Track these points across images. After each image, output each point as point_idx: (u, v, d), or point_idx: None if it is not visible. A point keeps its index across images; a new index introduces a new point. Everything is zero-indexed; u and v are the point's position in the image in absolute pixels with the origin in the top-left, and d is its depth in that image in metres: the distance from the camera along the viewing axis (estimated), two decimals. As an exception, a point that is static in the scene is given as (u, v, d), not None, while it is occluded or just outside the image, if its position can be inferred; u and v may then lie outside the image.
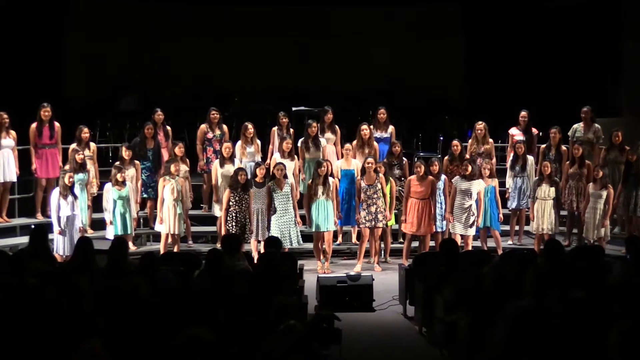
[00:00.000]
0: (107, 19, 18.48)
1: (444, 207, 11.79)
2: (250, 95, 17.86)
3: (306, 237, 12.44)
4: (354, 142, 12.52)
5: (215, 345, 5.09)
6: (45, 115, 12.22)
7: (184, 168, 12.17)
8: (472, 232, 11.65)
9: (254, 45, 18.77)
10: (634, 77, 16.17)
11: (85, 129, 12.33)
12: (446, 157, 12.50)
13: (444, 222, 11.82)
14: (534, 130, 13.11)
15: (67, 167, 11.72)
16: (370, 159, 11.65)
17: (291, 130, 12.98)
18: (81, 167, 11.74)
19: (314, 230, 11.60)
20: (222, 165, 12.08)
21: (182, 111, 16.92)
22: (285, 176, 11.53)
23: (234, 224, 11.30)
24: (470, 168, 11.59)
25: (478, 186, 11.62)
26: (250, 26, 18.94)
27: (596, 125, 12.87)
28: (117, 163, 11.85)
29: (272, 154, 12.81)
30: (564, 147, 12.62)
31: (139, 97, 18.08)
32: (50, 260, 8.53)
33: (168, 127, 13.10)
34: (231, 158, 12.13)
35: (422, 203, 11.62)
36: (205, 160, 12.79)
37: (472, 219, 11.58)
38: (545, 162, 11.89)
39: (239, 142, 12.59)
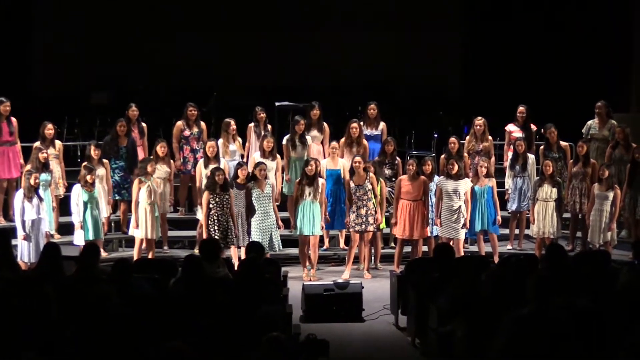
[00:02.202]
0: (78, 10, 18.41)
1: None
2: (230, 90, 17.83)
3: (291, 242, 12.45)
4: (342, 140, 12.53)
5: (194, 359, 5.10)
6: (5, 111, 12.15)
7: (164, 169, 12.12)
8: (462, 235, 11.69)
9: (236, 37, 18.74)
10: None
11: (50, 126, 12.24)
12: (443, 156, 12.50)
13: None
14: (533, 127, 13.15)
15: (29, 166, 11.65)
16: (357, 158, 11.64)
17: (269, 126, 12.97)
18: (44, 167, 11.69)
19: (298, 234, 11.60)
20: (206, 165, 12.02)
21: (158, 107, 16.88)
22: (266, 177, 11.53)
23: (216, 227, 11.27)
24: (456, 167, 11.59)
25: (465, 185, 11.64)
26: (232, 17, 18.91)
27: (612, 121, 12.89)
28: (86, 163, 11.80)
29: (248, 152, 12.79)
30: (564, 143, 12.65)
31: (111, 92, 18.01)
32: (14, 268, 8.49)
33: (143, 124, 13.06)
34: (216, 157, 12.08)
35: (414, 205, 11.63)
36: (182, 160, 12.76)
37: (462, 220, 11.61)
38: (546, 160, 11.91)
39: (221, 140, 12.56)
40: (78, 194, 11.45)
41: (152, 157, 12.01)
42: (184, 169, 12.74)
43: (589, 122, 12.98)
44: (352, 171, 11.69)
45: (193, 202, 12.77)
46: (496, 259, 11.35)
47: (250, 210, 11.40)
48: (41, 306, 6.24)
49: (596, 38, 17.10)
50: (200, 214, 11.96)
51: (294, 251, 12.24)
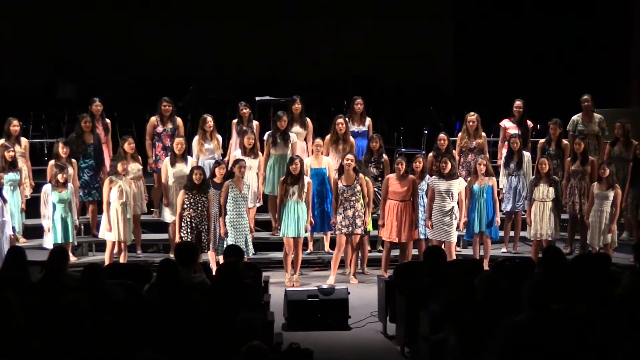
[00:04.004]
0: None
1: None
2: (208, 84, 17.78)
3: (272, 245, 12.43)
4: (327, 137, 12.53)
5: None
6: None
7: (136, 167, 12.09)
8: (454, 238, 11.69)
9: (213, 26, 18.69)
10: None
11: (15, 122, 12.21)
12: (431, 154, 12.52)
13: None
14: (529, 123, 13.19)
15: (-6, 166, 11.62)
16: (350, 156, 11.61)
17: (255, 123, 12.95)
18: (11, 166, 11.64)
19: (282, 236, 11.56)
20: (173, 163, 12.01)
21: (130, 101, 16.81)
22: (243, 175, 11.50)
23: (189, 230, 11.25)
24: (449, 165, 11.58)
25: (459, 185, 11.64)
26: (210, 7, 18.84)
27: (597, 115, 12.96)
28: (55, 161, 11.74)
29: (231, 150, 12.78)
30: (565, 141, 12.70)
31: (79, 86, 17.92)
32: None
33: (107, 120, 12.99)
34: (184, 155, 12.05)
35: (402, 205, 11.63)
36: (154, 158, 12.72)
37: (454, 222, 11.61)
38: (542, 158, 11.94)
39: (196, 137, 12.54)
40: (47, 195, 11.40)
41: (123, 155, 11.96)
42: (155, 168, 12.69)
43: (574, 118, 13.02)
44: (341, 170, 11.66)
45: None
46: (486, 263, 11.36)
47: (225, 209, 11.34)
48: (3, 315, 6.19)
49: (594, 30, 17.15)
50: (167, 215, 11.94)
51: (276, 255, 12.24)
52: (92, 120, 12.56)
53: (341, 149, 12.35)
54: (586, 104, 12.92)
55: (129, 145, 12.10)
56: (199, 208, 11.29)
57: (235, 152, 12.32)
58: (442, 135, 12.46)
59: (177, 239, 11.23)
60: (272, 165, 12.48)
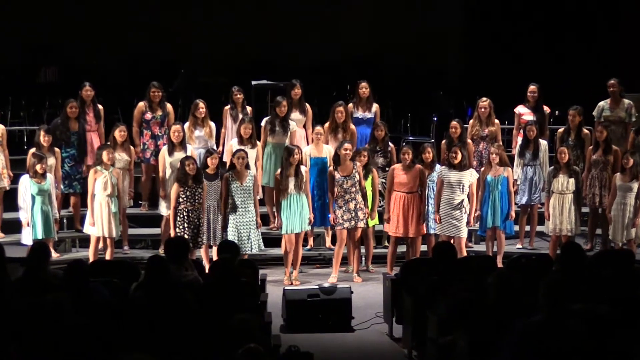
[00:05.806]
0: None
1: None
2: (200, 67, 17.77)
3: (269, 241, 12.42)
4: (327, 124, 12.51)
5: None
6: None
7: (124, 157, 12.06)
8: (464, 233, 11.69)
9: (207, 6, 18.68)
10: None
11: (-8, 108, 12.26)
12: (443, 142, 12.50)
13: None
14: (546, 109, 13.17)
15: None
16: (348, 145, 11.60)
17: (248, 108, 12.94)
18: (-15, 155, 11.70)
19: (285, 231, 11.54)
20: (171, 153, 11.98)
21: (116, 86, 16.80)
22: (247, 166, 11.49)
23: (185, 225, 11.24)
24: (459, 155, 11.56)
25: (470, 177, 11.63)
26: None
27: (626, 101, 12.92)
28: (34, 150, 11.73)
29: (224, 139, 12.77)
30: (585, 130, 12.66)
31: (61, 68, 17.92)
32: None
33: (100, 107, 12.97)
34: (182, 144, 12.02)
35: (409, 197, 11.62)
36: (142, 147, 12.71)
37: (464, 216, 11.61)
38: (562, 147, 11.91)
39: (187, 124, 12.51)
40: (26, 186, 11.40)
41: (109, 143, 11.95)
42: (143, 157, 12.67)
43: (601, 103, 12.95)
44: (337, 159, 11.64)
45: (157, 196, 12.72)
46: (499, 260, 11.37)
47: (225, 204, 11.36)
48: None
49: (617, 6, 17.08)
50: (163, 209, 11.93)
51: (273, 251, 12.24)
52: (81, 106, 12.52)
53: (341, 137, 12.32)
54: (612, 89, 12.84)
55: (119, 133, 12.05)
56: (196, 201, 11.28)
57: (232, 142, 12.29)
58: (454, 123, 12.42)
59: (172, 235, 11.20)
60: (269, 154, 12.45)
